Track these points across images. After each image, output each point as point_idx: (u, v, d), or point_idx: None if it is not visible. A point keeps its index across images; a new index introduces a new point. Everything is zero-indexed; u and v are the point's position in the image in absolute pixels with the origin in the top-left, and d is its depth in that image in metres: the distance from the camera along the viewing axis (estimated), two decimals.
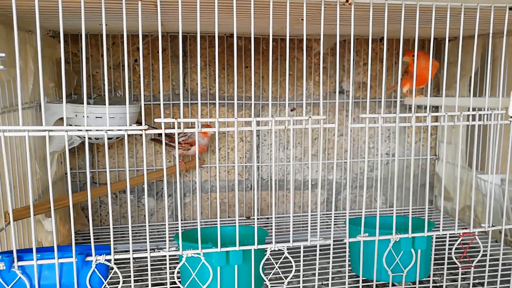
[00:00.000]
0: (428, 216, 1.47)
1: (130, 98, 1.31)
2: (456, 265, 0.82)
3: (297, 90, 1.43)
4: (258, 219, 1.45)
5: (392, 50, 1.45)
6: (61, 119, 1.13)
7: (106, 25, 1.04)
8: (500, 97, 0.79)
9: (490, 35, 0.77)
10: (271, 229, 1.35)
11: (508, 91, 0.96)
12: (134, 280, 1.06)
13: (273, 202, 0.74)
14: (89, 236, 1.31)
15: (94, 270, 0.70)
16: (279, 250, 0.74)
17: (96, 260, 0.69)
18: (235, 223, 0.72)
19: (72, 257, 0.69)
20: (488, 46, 1.23)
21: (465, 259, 0.84)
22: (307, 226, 1.37)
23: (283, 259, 0.74)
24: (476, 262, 0.83)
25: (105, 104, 1.19)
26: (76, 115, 1.11)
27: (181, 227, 1.39)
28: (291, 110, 1.44)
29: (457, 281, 0.91)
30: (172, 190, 1.41)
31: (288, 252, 0.74)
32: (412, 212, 0.79)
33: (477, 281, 0.97)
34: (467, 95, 1.35)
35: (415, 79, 0.73)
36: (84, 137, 1.15)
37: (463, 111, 0.78)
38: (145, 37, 1.32)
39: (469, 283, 0.87)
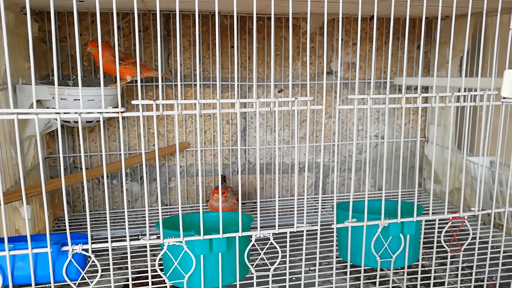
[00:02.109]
0: (417, 199, 1.46)
1: (111, 80, 1.26)
2: (445, 249, 0.81)
3: (285, 70, 1.39)
4: (245, 203, 1.43)
5: (382, 30, 1.42)
6: (38, 101, 1.08)
7: (82, 1, 0.99)
8: (493, 78, 0.76)
9: (484, 12, 0.74)
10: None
11: (500, 71, 0.94)
12: (117, 268, 1.03)
13: (257, 187, 0.71)
14: (72, 222, 1.28)
15: (71, 260, 0.67)
16: (265, 236, 0.72)
17: (73, 250, 0.66)
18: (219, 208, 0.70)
19: (47, 247, 0.65)
20: (479, 25, 1.20)
21: (454, 243, 0.83)
22: (293, 210, 1.35)
23: (269, 245, 0.72)
24: (464, 246, 0.81)
25: (85, 86, 1.15)
26: (53, 97, 1.06)
27: (167, 212, 1.37)
28: (279, 92, 1.40)
29: (446, 265, 0.90)
30: (156, 174, 1.38)
31: (274, 238, 0.72)
32: (401, 195, 0.77)
33: (465, 264, 0.97)
34: (457, 76, 1.32)
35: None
36: (64, 121, 1.11)
37: (454, 92, 0.75)
38: (126, 15, 1.26)
39: (457, 267, 0.86)
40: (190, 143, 1.37)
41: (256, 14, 1.31)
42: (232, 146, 1.41)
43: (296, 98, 0.67)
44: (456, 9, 0.73)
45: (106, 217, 1.31)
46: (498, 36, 0.76)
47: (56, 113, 0.63)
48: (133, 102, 0.65)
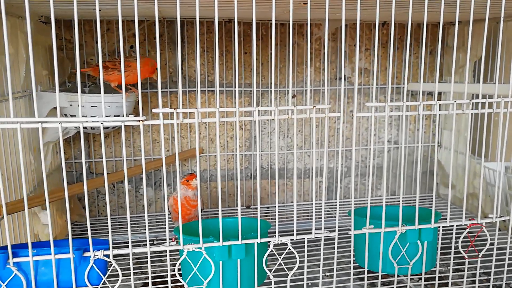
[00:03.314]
0: (430, 204, 1.46)
1: (127, 86, 1.27)
2: (461, 255, 0.81)
3: (298, 76, 1.40)
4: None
5: (395, 35, 1.42)
6: (56, 108, 1.10)
7: (100, 10, 1.00)
8: (511, 84, 0.76)
9: (502, 19, 0.74)
10: (271, 218, 1.34)
11: None
12: (134, 272, 1.04)
13: (276, 191, 0.72)
14: (87, 226, 1.29)
15: (92, 265, 0.68)
16: (282, 242, 0.72)
17: (94, 255, 0.67)
18: (236, 213, 0.70)
19: (69, 252, 0.66)
20: (493, 30, 1.20)
21: (471, 249, 0.83)
22: (307, 215, 1.36)
23: (287, 250, 0.72)
24: (482, 252, 0.81)
25: (99, 93, 1.16)
26: (71, 104, 1.07)
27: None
28: (292, 97, 1.41)
29: (463, 271, 0.89)
30: (170, 179, 1.39)
31: (291, 243, 0.72)
32: (417, 200, 0.77)
33: (482, 271, 0.96)
34: (471, 82, 1.32)
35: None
36: (79, 127, 1.13)
37: (469, 99, 0.75)
38: (141, 23, 1.28)
39: (475, 273, 0.85)
40: (204, 148, 1.38)
41: (269, 20, 1.32)
42: (245, 152, 1.42)
43: (314, 106, 0.68)
44: (469, 15, 0.73)
45: (119, 222, 1.32)
46: None
47: (78, 121, 0.64)
48: (154, 110, 0.66)
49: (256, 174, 1.44)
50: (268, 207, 1.44)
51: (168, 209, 1.03)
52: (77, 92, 1.16)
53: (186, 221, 0.98)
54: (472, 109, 0.77)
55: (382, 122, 1.47)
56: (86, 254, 0.68)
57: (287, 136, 1.42)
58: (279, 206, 1.45)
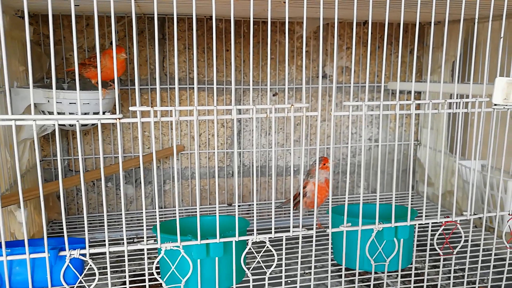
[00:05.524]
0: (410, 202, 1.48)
1: (107, 83, 1.26)
2: (438, 252, 0.82)
3: (279, 74, 1.40)
4: (240, 206, 1.44)
5: (376, 34, 1.43)
6: (34, 104, 1.08)
7: (77, 5, 0.99)
8: (485, 84, 0.77)
9: (476, 21, 0.76)
10: (253, 216, 1.34)
11: (491, 76, 0.95)
12: (112, 271, 1.03)
13: (254, 190, 0.72)
14: (66, 225, 1.28)
15: (68, 265, 0.67)
16: (261, 240, 0.73)
17: (71, 255, 0.66)
18: (216, 211, 0.70)
19: (44, 251, 0.65)
20: (471, 31, 1.22)
21: (447, 246, 0.84)
22: (288, 212, 1.36)
23: (265, 248, 0.73)
24: (456, 249, 0.83)
25: (80, 89, 1.14)
26: (48, 101, 1.05)
27: (162, 214, 1.37)
28: (273, 95, 1.41)
29: (439, 268, 0.91)
30: (150, 177, 1.38)
31: (269, 240, 0.73)
32: (394, 198, 0.78)
33: (457, 267, 0.98)
34: (449, 81, 1.34)
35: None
36: (59, 124, 1.11)
37: (446, 98, 0.76)
38: (121, 18, 1.26)
39: (450, 270, 0.87)
40: (185, 146, 1.38)
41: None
42: (226, 149, 1.42)
43: (292, 105, 0.68)
44: (448, 15, 0.75)
45: (99, 219, 1.31)
46: (489, 42, 0.78)
47: (53, 119, 0.63)
48: (131, 108, 0.65)
49: (237, 171, 1.44)
50: (249, 205, 1.45)
51: (306, 194, 1.07)
52: (57, 89, 1.14)
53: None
54: (449, 108, 0.78)
55: (364, 123, 1.49)
56: (62, 253, 0.67)
57: (268, 133, 1.43)
58: (261, 203, 1.46)
